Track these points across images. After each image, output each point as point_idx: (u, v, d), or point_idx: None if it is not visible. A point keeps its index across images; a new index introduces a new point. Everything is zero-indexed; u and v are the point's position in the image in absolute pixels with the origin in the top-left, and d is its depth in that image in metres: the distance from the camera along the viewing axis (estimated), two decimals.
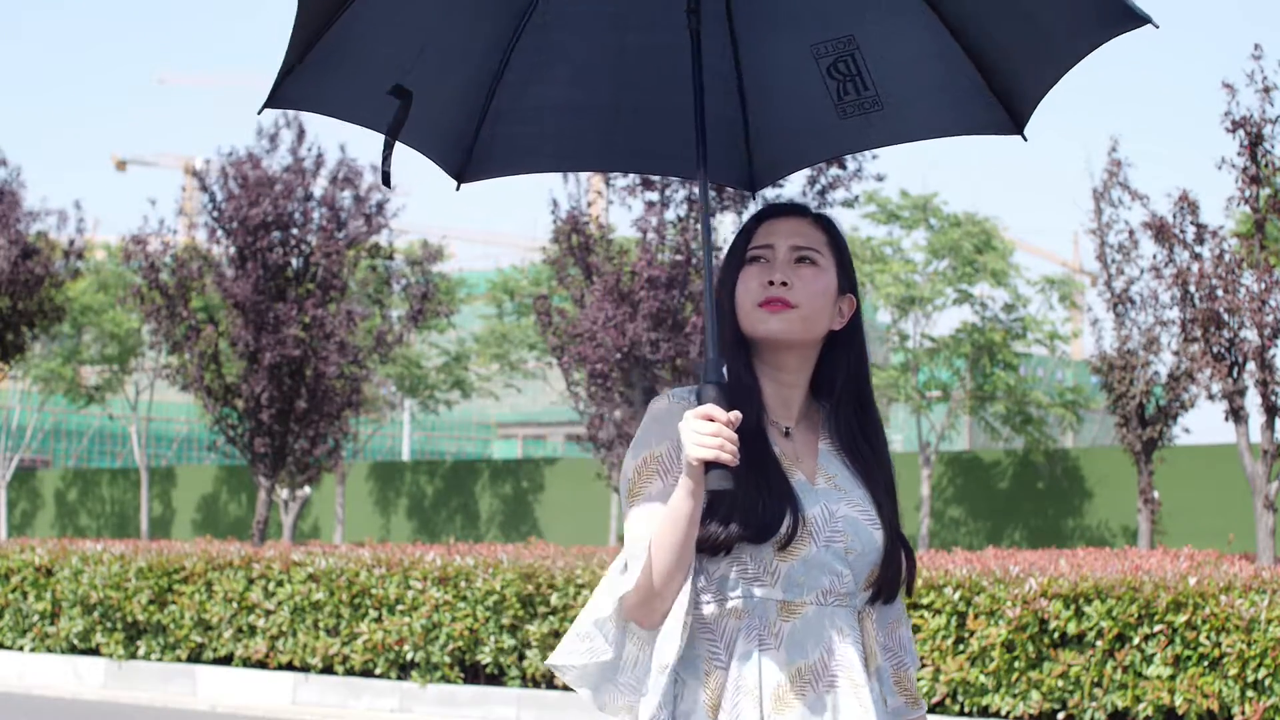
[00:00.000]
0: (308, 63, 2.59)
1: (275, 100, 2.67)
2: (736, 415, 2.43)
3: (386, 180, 2.78)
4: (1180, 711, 8.56)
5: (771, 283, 2.62)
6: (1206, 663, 8.51)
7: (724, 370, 2.51)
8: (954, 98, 2.95)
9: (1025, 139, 2.96)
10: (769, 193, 15.23)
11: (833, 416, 2.71)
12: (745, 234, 2.71)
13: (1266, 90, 13.86)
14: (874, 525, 2.62)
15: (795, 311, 2.62)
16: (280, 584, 12.01)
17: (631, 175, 15.97)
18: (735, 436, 2.42)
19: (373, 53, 2.71)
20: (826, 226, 2.71)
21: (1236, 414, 14.39)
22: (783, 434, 2.66)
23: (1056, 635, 8.92)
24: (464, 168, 2.99)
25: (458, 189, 3.04)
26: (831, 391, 2.72)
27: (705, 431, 2.40)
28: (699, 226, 16.31)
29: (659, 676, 2.50)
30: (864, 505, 2.63)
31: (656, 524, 2.49)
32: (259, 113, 2.70)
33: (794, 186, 16.57)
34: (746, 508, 2.52)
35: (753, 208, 16.30)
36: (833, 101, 2.97)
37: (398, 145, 2.77)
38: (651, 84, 3.00)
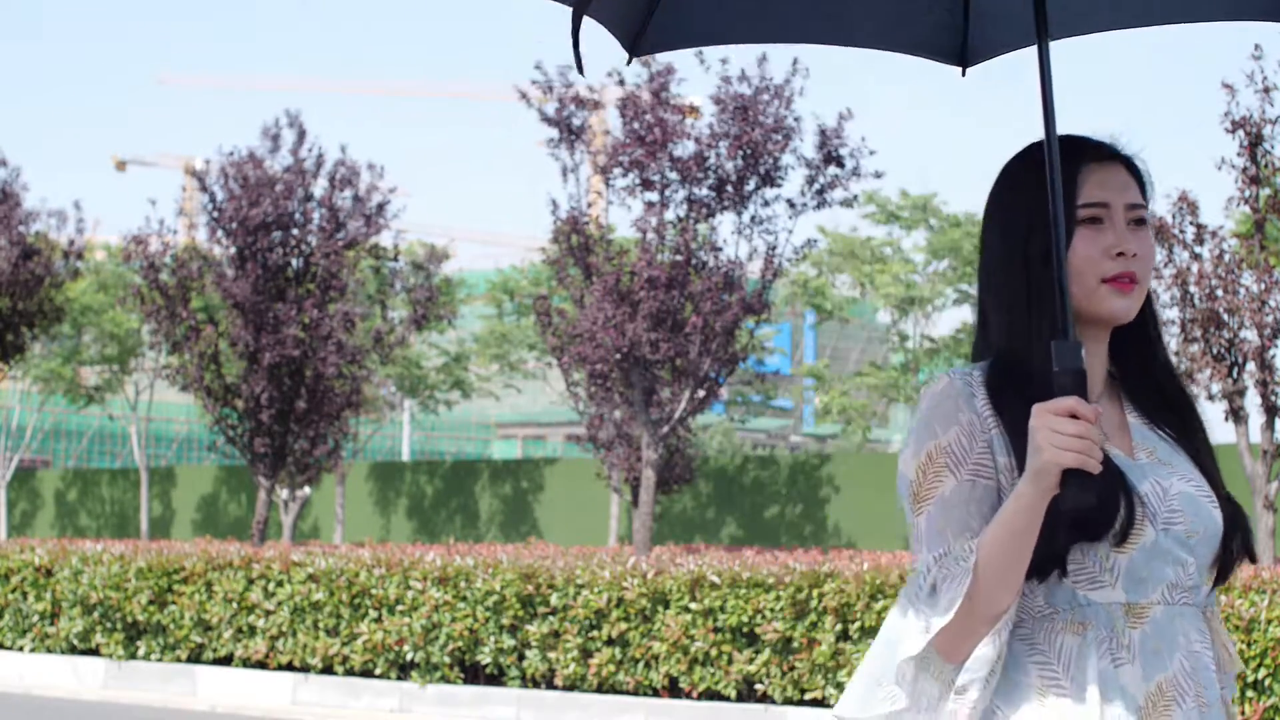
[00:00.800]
0: None
1: None
2: (1098, 410, 2.05)
3: (579, 66, 2.42)
4: None
5: (1122, 254, 2.21)
6: None
7: (1083, 354, 2.10)
8: None
9: None
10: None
11: (1132, 385, 2.34)
12: (1065, 180, 2.22)
13: (1266, 90, 13.88)
14: (1212, 502, 2.22)
15: (1138, 288, 2.23)
16: (280, 584, 12.01)
17: (631, 175, 15.98)
18: (1100, 439, 2.04)
19: None
20: (1138, 172, 2.31)
21: (1236, 414, 14.40)
22: None
23: None
24: (638, 38, 2.64)
25: (629, 62, 2.72)
26: (1126, 358, 2.34)
27: (1068, 432, 2.01)
28: (698, 227, 16.36)
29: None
30: (1196, 478, 2.23)
31: (984, 542, 2.08)
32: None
33: (792, 185, 16.59)
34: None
35: (765, 200, 16.27)
36: None
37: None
38: None
